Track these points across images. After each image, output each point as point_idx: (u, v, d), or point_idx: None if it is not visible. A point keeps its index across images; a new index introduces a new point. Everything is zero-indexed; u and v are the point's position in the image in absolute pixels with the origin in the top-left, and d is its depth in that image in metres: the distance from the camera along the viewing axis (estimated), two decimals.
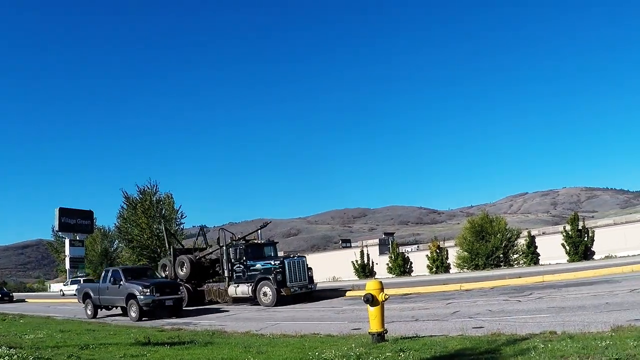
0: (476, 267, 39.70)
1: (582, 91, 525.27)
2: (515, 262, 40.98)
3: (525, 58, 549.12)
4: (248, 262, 28.00)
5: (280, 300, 26.09)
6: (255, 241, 30.40)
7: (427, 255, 45.39)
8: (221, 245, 29.88)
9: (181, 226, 64.25)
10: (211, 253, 31.68)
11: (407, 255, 48.33)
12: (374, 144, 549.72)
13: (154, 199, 62.71)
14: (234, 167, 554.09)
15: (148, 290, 24.18)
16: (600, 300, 15.36)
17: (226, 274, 28.88)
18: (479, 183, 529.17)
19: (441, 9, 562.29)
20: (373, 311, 11.51)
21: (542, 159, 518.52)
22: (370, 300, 11.40)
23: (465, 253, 41.41)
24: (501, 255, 40.51)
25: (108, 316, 27.67)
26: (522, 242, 42.05)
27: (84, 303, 27.89)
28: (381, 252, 60.76)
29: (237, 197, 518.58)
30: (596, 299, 15.88)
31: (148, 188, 62.91)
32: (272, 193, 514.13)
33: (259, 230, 31.63)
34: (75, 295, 35.03)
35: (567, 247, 38.79)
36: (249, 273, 27.85)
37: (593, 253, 38.58)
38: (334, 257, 66.03)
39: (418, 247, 51.61)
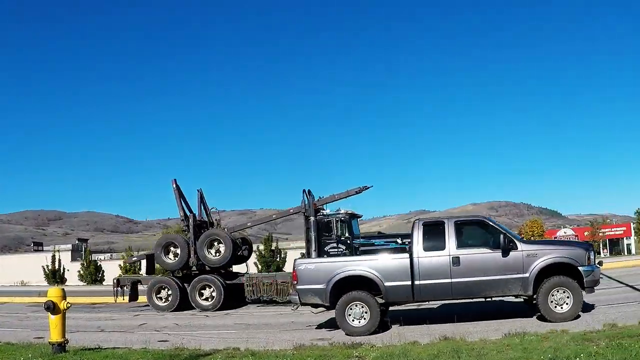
0: None
1: (301, 116, 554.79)
2: None
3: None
4: (354, 241, 18.30)
5: None
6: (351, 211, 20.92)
7: (120, 265, 44.47)
8: (306, 213, 19.58)
9: None
10: (250, 227, 23.20)
11: (99, 263, 46.98)
12: (73, 145, 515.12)
13: None
14: None
15: (591, 255, 12.39)
16: (287, 319, 16.45)
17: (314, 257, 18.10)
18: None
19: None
20: (54, 320, 11.09)
21: (238, 179, 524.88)
22: (52, 308, 11.02)
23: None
24: None
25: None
26: None
27: (331, 305, 12.67)
28: (74, 259, 58.75)
29: None
30: (283, 318, 16.99)
31: None
32: None
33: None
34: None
35: (260, 266, 40.76)
36: None
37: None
38: (24, 260, 62.60)
39: (112, 255, 50.46)
